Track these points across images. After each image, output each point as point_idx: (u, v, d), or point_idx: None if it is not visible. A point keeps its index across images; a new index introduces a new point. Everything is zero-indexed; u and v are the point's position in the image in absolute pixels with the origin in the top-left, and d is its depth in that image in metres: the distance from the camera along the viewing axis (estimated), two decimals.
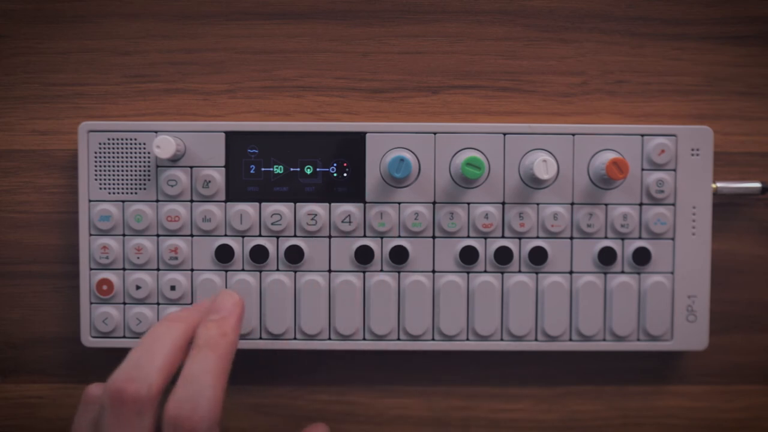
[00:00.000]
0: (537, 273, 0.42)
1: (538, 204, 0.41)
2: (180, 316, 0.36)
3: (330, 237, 0.41)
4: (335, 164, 0.41)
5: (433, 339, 0.42)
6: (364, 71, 0.43)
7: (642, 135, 0.41)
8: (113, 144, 0.41)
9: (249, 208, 0.41)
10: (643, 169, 0.41)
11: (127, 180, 0.41)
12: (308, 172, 0.41)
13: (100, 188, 0.41)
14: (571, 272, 0.42)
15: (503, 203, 0.41)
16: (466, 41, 0.43)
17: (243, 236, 0.41)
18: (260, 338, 0.42)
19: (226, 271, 0.41)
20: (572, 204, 0.41)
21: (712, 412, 0.44)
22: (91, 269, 0.41)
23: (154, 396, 0.33)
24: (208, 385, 0.33)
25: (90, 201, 0.41)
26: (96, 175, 0.41)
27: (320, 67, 0.43)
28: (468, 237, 0.41)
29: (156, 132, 0.41)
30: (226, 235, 0.41)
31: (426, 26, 0.43)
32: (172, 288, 0.41)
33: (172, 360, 0.34)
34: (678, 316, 0.42)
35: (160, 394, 0.33)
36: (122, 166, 0.41)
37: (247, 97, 0.43)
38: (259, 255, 0.41)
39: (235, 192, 0.41)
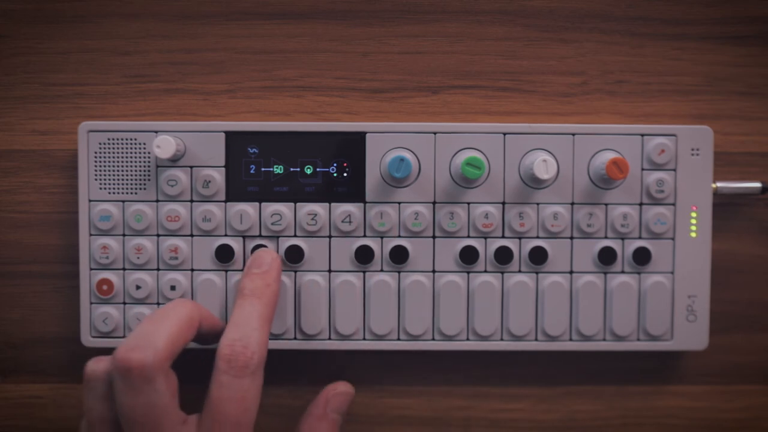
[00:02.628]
0: (537, 273, 0.42)
1: (538, 204, 0.41)
2: (187, 299, 0.39)
3: (330, 237, 0.41)
4: (335, 164, 0.41)
5: (433, 339, 0.42)
6: (364, 71, 0.43)
7: (642, 135, 0.41)
8: (113, 144, 0.41)
9: (249, 208, 0.41)
10: (643, 169, 0.41)
11: (127, 180, 0.41)
12: (308, 172, 0.41)
13: (100, 188, 0.41)
14: (571, 272, 0.42)
15: (503, 203, 0.41)
16: (466, 41, 0.43)
17: (243, 236, 0.41)
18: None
19: (226, 271, 0.41)
20: (572, 204, 0.41)
21: (712, 412, 0.44)
22: (91, 269, 0.41)
23: (160, 361, 0.33)
24: (256, 327, 0.36)
25: (90, 201, 0.41)
26: (96, 175, 0.41)
27: (320, 67, 0.43)
28: (468, 237, 0.41)
29: (156, 132, 0.41)
30: (226, 235, 0.41)
31: (426, 26, 0.43)
32: (172, 288, 0.41)
33: (179, 332, 0.35)
34: (678, 316, 0.42)
35: (167, 360, 0.34)
36: (122, 166, 0.41)
37: (247, 97, 0.43)
38: None
39: (235, 192, 0.41)
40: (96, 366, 0.35)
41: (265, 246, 0.41)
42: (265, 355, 0.36)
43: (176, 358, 0.34)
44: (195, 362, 0.39)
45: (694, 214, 0.41)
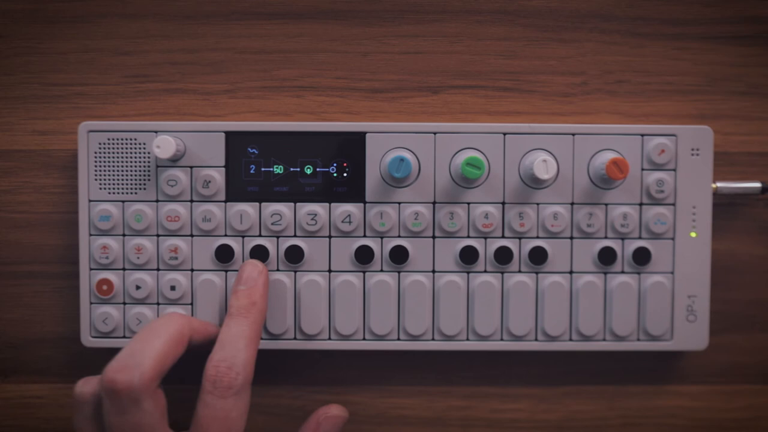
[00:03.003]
0: (537, 273, 0.42)
1: (538, 204, 0.41)
2: (178, 312, 0.39)
3: (330, 237, 0.41)
4: (335, 164, 0.41)
5: (433, 339, 0.42)
6: (364, 71, 0.43)
7: (642, 135, 0.41)
8: (113, 144, 0.41)
9: (249, 208, 0.41)
10: (643, 169, 0.41)
11: (127, 180, 0.41)
12: (308, 172, 0.41)
13: (100, 188, 0.41)
14: (571, 272, 0.42)
15: (503, 203, 0.41)
16: (466, 41, 0.43)
17: (243, 236, 0.41)
18: (261, 338, 0.42)
19: (226, 271, 0.41)
20: (572, 204, 0.41)
21: (712, 412, 0.44)
22: (91, 269, 0.41)
23: (146, 383, 0.34)
24: (241, 348, 0.36)
25: (90, 201, 0.41)
26: (96, 175, 0.41)
27: (320, 67, 0.43)
28: (468, 237, 0.41)
29: (156, 132, 0.41)
30: (226, 235, 0.41)
31: (426, 26, 0.43)
32: (172, 288, 0.41)
33: (167, 350, 0.35)
34: (678, 316, 0.42)
35: (154, 380, 0.34)
36: (122, 166, 0.41)
37: (247, 97, 0.43)
38: (259, 255, 0.41)
39: (235, 192, 0.41)
40: (83, 388, 0.36)
41: (263, 247, 0.41)
42: (252, 374, 0.36)
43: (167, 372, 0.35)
44: (194, 362, 0.39)
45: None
